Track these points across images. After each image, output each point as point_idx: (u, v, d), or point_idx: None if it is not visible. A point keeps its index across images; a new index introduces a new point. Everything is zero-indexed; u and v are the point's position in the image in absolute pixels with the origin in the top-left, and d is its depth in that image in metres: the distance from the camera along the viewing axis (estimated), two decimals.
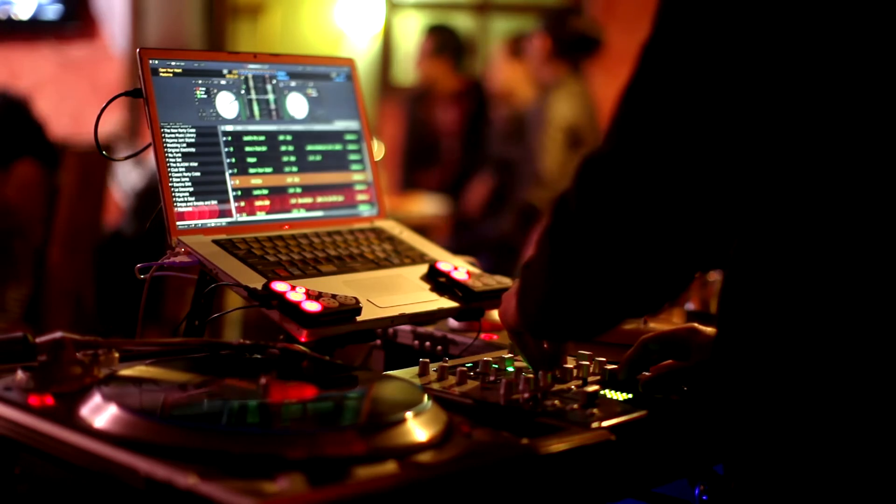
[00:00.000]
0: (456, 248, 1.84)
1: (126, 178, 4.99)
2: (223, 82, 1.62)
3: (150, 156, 1.53)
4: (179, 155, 1.54)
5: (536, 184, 4.73)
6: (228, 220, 1.57)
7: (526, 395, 1.27)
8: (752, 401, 1.12)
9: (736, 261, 1.15)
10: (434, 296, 1.55)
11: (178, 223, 1.52)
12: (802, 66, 1.04)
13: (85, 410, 1.13)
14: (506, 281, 1.61)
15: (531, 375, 1.30)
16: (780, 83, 1.05)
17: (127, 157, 1.85)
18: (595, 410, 1.25)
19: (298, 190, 1.66)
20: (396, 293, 1.53)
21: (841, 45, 1.04)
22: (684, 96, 1.07)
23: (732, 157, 1.08)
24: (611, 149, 1.12)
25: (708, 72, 1.06)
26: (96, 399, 1.14)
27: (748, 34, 1.05)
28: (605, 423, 1.21)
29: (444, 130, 5.54)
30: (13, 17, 6.31)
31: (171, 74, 1.56)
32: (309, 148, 1.69)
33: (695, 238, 1.11)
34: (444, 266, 1.60)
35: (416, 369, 1.38)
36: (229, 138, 1.60)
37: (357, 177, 1.75)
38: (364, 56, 6.69)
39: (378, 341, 1.73)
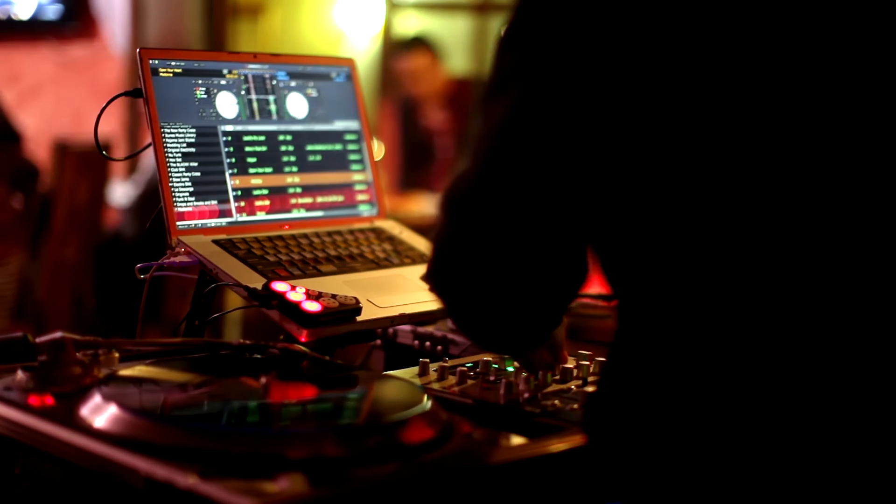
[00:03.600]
0: None
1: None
2: (223, 82, 1.62)
3: (149, 159, 1.53)
4: (179, 155, 1.54)
5: None
6: (228, 220, 1.57)
7: (526, 395, 1.27)
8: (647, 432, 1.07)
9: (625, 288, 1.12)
10: (434, 296, 1.55)
11: (178, 223, 1.52)
12: (659, 87, 1.02)
13: (85, 410, 1.13)
14: None
15: (531, 375, 1.30)
16: (638, 100, 1.03)
17: (127, 157, 1.85)
18: None
19: (298, 190, 1.66)
20: (396, 293, 1.53)
21: (697, 64, 1.02)
22: (547, 121, 1.06)
23: (597, 175, 1.06)
24: (475, 181, 1.10)
25: (565, 91, 1.05)
26: (96, 399, 1.14)
27: (605, 44, 1.03)
28: None
29: (437, 131, 5.53)
30: (13, 17, 6.31)
31: (171, 74, 1.56)
32: (309, 148, 1.69)
33: (573, 246, 1.11)
34: None
35: (416, 369, 1.38)
36: (229, 138, 1.60)
37: (357, 177, 1.75)
38: (364, 56, 6.68)
39: (378, 341, 1.73)
